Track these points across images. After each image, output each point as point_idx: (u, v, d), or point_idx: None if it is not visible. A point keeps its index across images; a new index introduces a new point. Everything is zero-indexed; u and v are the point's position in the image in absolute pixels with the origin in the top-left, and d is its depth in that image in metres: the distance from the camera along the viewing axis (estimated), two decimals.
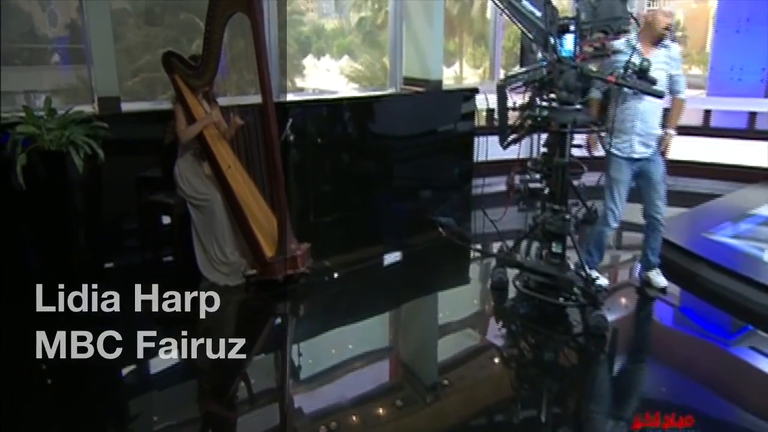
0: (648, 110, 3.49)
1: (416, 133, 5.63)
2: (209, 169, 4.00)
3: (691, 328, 3.68)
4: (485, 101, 5.45)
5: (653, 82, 3.15)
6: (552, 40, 3.21)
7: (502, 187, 5.60)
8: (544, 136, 4.02)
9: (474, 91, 5.74)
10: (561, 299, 3.51)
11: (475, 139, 5.61)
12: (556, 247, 3.45)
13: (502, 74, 6.72)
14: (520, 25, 3.30)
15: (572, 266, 3.55)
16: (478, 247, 4.95)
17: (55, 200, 3.84)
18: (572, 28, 3.19)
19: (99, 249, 4.18)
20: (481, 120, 5.98)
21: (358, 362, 3.27)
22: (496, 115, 6.12)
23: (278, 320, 3.84)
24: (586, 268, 3.37)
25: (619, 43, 3.39)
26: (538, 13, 3.19)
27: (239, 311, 3.83)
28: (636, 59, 3.13)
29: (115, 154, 4.10)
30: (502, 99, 3.37)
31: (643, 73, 3.08)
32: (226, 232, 3.97)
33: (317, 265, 4.14)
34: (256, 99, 3.83)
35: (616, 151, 3.59)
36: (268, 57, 3.65)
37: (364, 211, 5.41)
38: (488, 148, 5.29)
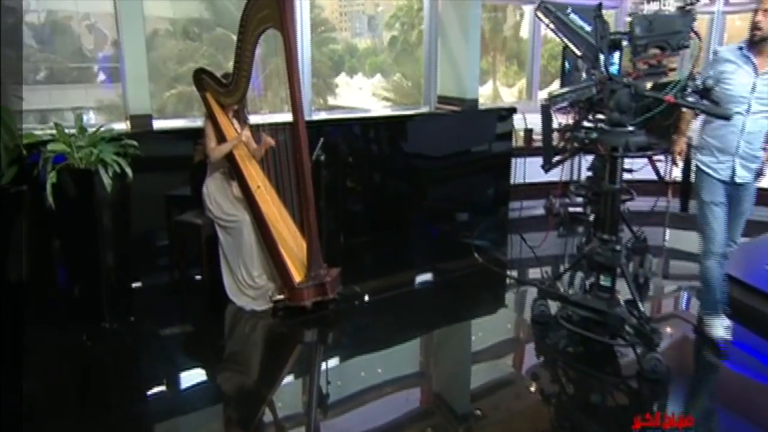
0: (755, 130, 3.03)
1: (451, 153, 5.36)
2: (238, 190, 3.81)
3: (756, 371, 3.26)
4: (523, 121, 5.22)
5: (717, 102, 2.81)
6: (602, 57, 2.90)
7: (540, 211, 5.31)
8: (589, 158, 3.73)
9: (511, 110, 5.46)
10: (609, 337, 3.16)
11: (513, 160, 5.34)
12: (604, 280, 3.10)
13: (540, 94, 6.43)
14: (566, 41, 3.01)
15: (623, 301, 3.19)
16: (517, 275, 4.60)
17: (84, 219, 3.69)
18: (624, 43, 2.88)
19: (127, 268, 4.02)
20: (518, 140, 5.69)
21: (387, 392, 3.03)
22: (536, 136, 5.87)
23: (306, 348, 3.59)
24: (641, 306, 2.99)
25: (728, 51, 3.00)
26: (588, 28, 2.90)
27: (266, 337, 3.60)
28: (699, 79, 2.79)
29: (146, 172, 3.97)
30: (546, 119, 3.07)
31: (706, 92, 2.75)
32: (254, 255, 3.76)
33: (347, 291, 3.90)
34: (289, 117, 3.64)
35: (711, 172, 3.16)
36: (300, 74, 3.44)
37: (397, 234, 5.15)
38: (526, 170, 5.05)
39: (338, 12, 6.79)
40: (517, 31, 8.35)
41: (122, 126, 4.41)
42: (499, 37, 7.91)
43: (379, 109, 6.37)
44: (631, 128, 2.95)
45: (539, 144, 5.74)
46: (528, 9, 6.52)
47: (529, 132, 5.55)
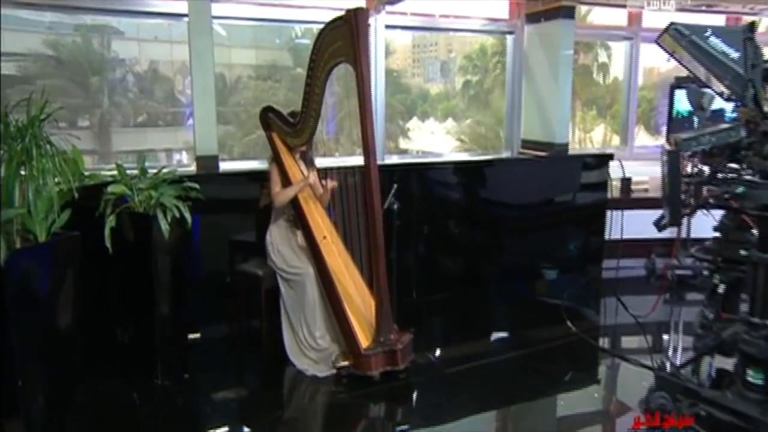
0: None
1: (536, 203, 4.65)
2: (302, 239, 3.29)
3: None
4: (620, 169, 4.46)
5: None
6: (752, 90, 2.18)
7: (640, 272, 4.48)
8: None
9: (607, 157, 4.68)
10: None
11: (608, 213, 4.54)
12: (754, 377, 2.29)
13: (637, 139, 5.64)
14: (702, 71, 2.31)
15: None
16: (617, 348, 3.74)
17: (139, 266, 3.29)
18: None
19: (183, 319, 3.58)
20: (614, 191, 4.87)
21: None
22: (635, 186, 5.03)
23: (371, 424, 2.98)
24: None
25: None
26: (735, 54, 2.19)
27: (327, 408, 3.02)
28: None
29: (210, 215, 3.60)
30: (674, 168, 2.34)
31: None
32: (317, 313, 3.22)
33: (420, 358, 3.26)
34: (359, 161, 3.13)
35: None
36: (373, 116, 2.93)
37: (475, 292, 4.43)
38: (623, 224, 4.27)
39: (411, 58, 6.60)
40: (605, 74, 7.82)
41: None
42: (576, 82, 7.36)
43: (453, 153, 5.87)
44: None
45: (641, 195, 4.97)
46: (620, 46, 5.75)
47: (627, 181, 4.74)
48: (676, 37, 2.26)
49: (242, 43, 5.54)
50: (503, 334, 3.97)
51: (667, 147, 2.39)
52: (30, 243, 2.77)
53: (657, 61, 6.39)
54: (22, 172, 2.68)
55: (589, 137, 7.34)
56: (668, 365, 2.64)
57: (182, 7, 4.01)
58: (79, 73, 4.44)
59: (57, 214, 2.80)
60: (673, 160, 2.29)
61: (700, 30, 2.23)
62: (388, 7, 4.40)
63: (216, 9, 4.03)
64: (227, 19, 4.38)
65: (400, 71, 6.45)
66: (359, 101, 2.90)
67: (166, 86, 5.05)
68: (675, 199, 2.34)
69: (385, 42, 4.82)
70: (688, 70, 2.42)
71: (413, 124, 6.63)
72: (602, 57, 8.06)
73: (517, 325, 4.02)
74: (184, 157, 5.02)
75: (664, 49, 2.44)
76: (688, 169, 2.65)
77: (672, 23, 2.26)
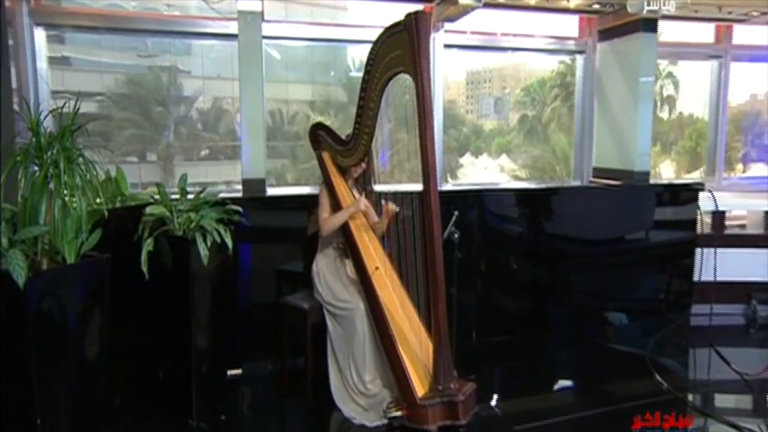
0: None
1: (612, 237, 4.08)
2: (352, 270, 2.91)
3: None
4: (712, 201, 3.87)
5: None
6: None
7: (737, 320, 3.83)
8: None
9: (697, 187, 4.06)
10: None
11: (697, 252, 3.91)
12: None
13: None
14: None
15: None
16: (709, 408, 3.07)
17: (175, 294, 2.97)
18: None
19: (222, 354, 3.23)
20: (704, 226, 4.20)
21: None
22: (730, 222, 4.34)
23: None
24: None
25: None
26: None
27: None
28: None
29: (255, 242, 3.35)
30: None
31: None
32: (367, 354, 2.82)
33: (483, 411, 2.78)
34: (415, 187, 2.74)
35: None
36: (434, 128, 2.53)
37: (541, 335, 3.90)
38: (716, 264, 3.66)
39: (465, 95, 6.47)
40: (671, 106, 7.35)
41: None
42: None
43: (509, 183, 5.53)
44: None
45: (737, 231, 4.27)
46: (691, 72, 5.15)
47: (720, 215, 4.07)
48: None
49: (299, 79, 5.63)
50: (576, 386, 3.39)
51: None
52: (57, 264, 2.49)
53: (729, 95, 5.84)
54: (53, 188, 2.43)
55: (657, 172, 6.82)
56: None
57: (235, 29, 3.80)
58: (148, 110, 4.66)
59: (86, 234, 2.52)
60: None
61: None
62: (447, 25, 4.03)
63: (267, 29, 3.80)
64: (278, 40, 4.15)
65: (453, 107, 6.23)
66: (418, 116, 2.51)
67: (228, 121, 5.12)
68: None
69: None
70: None
71: (466, 159, 6.46)
72: (668, 89, 7.54)
73: (590, 376, 3.42)
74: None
75: None
76: None
77: None
